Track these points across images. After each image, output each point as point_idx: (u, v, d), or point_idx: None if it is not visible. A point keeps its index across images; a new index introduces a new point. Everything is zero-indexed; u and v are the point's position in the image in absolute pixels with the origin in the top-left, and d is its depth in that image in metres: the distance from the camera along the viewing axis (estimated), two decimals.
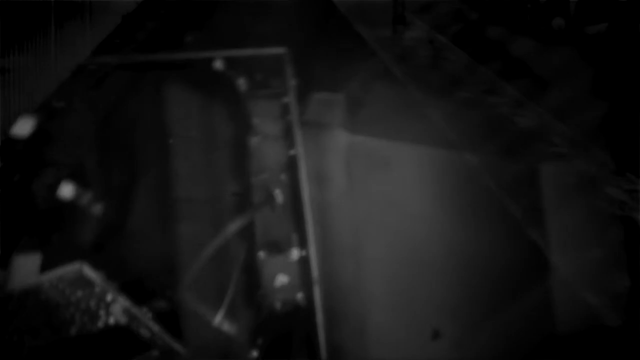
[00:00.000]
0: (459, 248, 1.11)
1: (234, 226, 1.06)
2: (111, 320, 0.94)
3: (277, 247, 1.07)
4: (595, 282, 1.08)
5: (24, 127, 1.05)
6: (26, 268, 0.95)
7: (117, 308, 0.94)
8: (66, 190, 1.02)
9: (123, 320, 0.94)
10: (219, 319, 1.01)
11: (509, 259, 1.09)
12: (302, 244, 1.07)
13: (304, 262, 1.06)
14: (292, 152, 1.11)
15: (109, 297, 0.94)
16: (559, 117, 1.19)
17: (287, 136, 1.12)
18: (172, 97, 1.06)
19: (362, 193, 1.13)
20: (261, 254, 1.06)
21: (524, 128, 1.17)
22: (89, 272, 0.94)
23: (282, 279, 1.05)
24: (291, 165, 1.11)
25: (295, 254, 1.07)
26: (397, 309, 1.07)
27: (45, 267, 0.96)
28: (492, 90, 1.13)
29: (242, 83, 1.15)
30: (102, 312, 0.94)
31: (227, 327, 1.02)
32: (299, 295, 1.05)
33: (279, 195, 1.09)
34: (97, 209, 1.03)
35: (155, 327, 0.96)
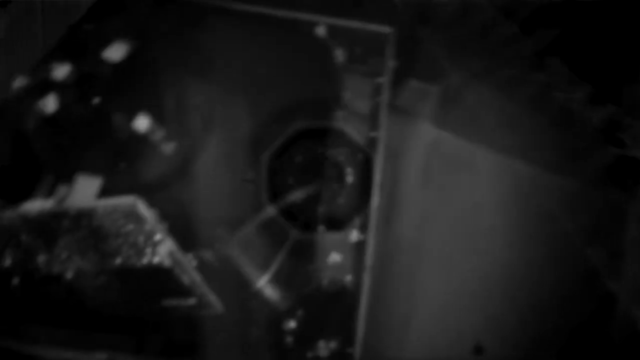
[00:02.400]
0: (521, 269, 1.06)
1: (298, 194, 1.05)
2: (156, 260, 0.95)
3: (338, 225, 1.05)
4: None
5: (117, 51, 1.05)
6: (86, 189, 0.97)
7: (164, 249, 0.95)
8: (142, 123, 1.02)
9: (167, 262, 0.95)
10: (262, 283, 1.01)
11: (571, 286, 1.03)
12: (363, 227, 1.05)
13: (361, 246, 1.04)
14: (373, 133, 1.09)
15: (157, 237, 0.95)
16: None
17: (373, 117, 1.09)
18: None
19: (435, 191, 1.09)
20: (321, 228, 1.05)
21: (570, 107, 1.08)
22: (142, 208, 0.94)
23: (335, 258, 1.04)
24: (370, 147, 1.08)
25: (354, 236, 1.05)
26: (444, 314, 1.03)
27: (103, 193, 0.97)
28: (537, 66, 1.03)
29: (340, 54, 1.12)
30: (148, 250, 0.95)
31: (269, 293, 1.01)
32: (348, 278, 1.03)
33: (349, 175, 1.07)
34: (168, 147, 1.03)
35: (197, 277, 0.96)
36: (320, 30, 1.12)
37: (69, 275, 0.97)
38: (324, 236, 1.05)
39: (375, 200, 1.05)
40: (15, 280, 0.98)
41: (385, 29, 1.12)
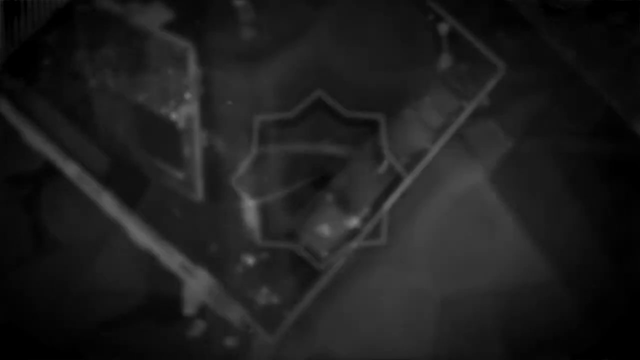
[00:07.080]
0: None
1: (330, 148, 1.03)
2: (173, 116, 0.93)
3: (345, 204, 1.02)
4: None
5: None
6: (156, 16, 0.96)
7: (185, 110, 0.93)
8: None
9: (181, 124, 0.93)
10: (249, 204, 0.98)
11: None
12: (365, 220, 1.02)
13: (353, 234, 1.01)
14: (427, 145, 1.06)
15: (187, 95, 0.93)
16: None
17: (436, 132, 1.07)
18: None
19: (446, 229, 1.05)
20: (329, 196, 1.02)
21: None
22: (192, 59, 0.92)
23: (323, 230, 1.01)
24: (417, 156, 1.05)
25: (353, 222, 1.02)
26: (406, 333, 0.99)
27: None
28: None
29: (445, 60, 1.09)
30: (172, 102, 0.93)
31: (249, 217, 0.99)
32: (324, 254, 1.00)
33: (384, 167, 1.04)
34: (248, 33, 1.01)
35: (198, 156, 0.94)
36: (443, 28, 1.10)
37: (93, 83, 0.96)
38: (327, 205, 1.02)
39: (390, 204, 1.02)
40: (47, 61, 0.97)
41: (500, 63, 1.09)
